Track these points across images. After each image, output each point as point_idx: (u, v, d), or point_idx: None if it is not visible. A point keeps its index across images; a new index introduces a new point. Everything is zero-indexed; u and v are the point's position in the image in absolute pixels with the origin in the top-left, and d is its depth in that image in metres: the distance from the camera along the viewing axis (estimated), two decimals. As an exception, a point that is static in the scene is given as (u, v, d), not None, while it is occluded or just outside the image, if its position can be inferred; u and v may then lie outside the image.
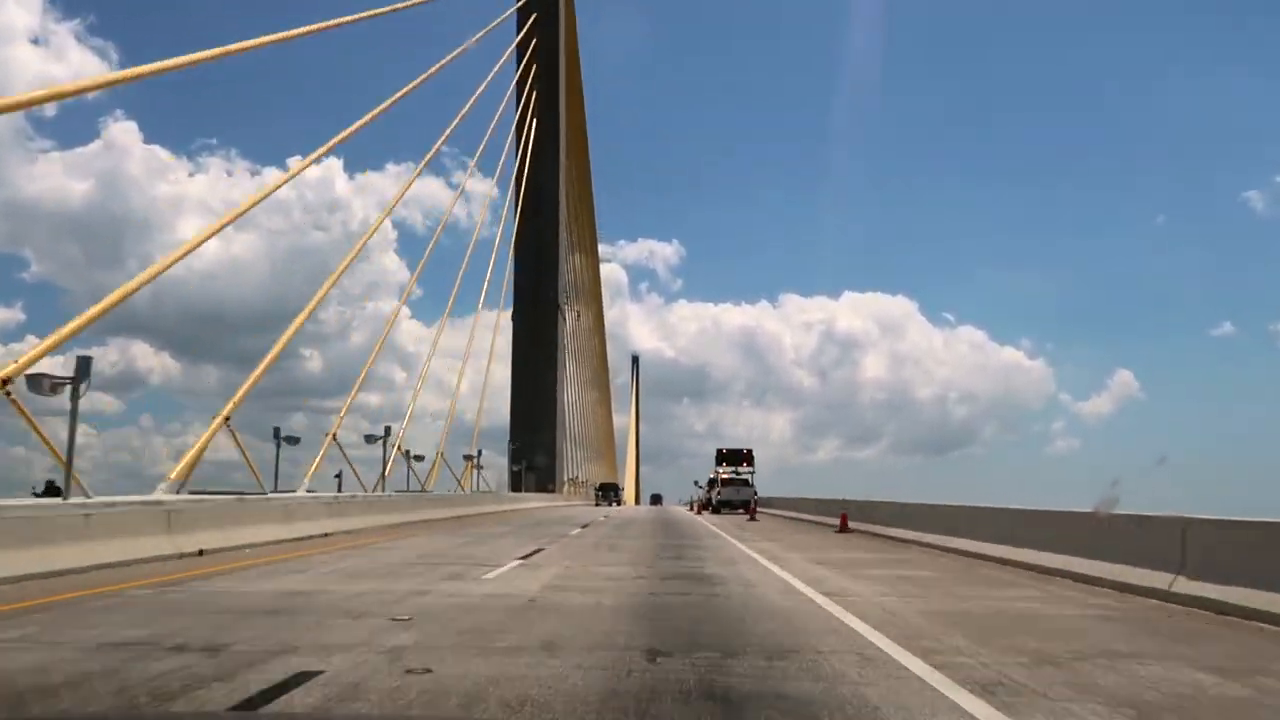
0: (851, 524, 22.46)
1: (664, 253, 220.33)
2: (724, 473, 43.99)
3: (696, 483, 50.03)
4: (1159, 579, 8.77)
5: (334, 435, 22.98)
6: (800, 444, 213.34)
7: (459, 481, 39.73)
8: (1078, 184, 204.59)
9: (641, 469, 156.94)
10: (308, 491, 20.52)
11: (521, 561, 12.57)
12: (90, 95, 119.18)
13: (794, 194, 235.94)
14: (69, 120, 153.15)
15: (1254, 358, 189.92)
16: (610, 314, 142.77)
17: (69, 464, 12.04)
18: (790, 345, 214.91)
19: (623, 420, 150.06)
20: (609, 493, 62.12)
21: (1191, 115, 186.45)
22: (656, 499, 77.86)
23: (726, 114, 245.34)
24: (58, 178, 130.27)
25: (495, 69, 38.69)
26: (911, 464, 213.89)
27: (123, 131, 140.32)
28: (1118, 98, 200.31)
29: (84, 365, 12.96)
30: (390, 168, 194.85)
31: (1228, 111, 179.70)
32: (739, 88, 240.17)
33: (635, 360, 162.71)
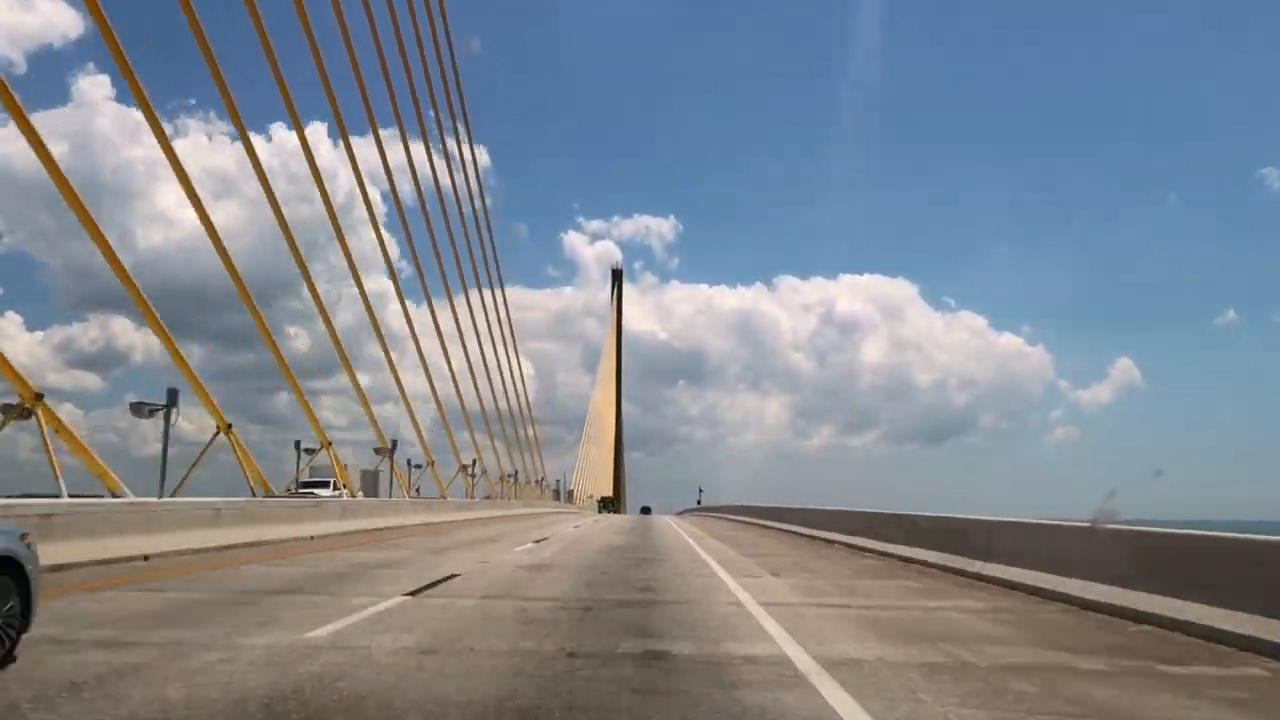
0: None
1: (661, 228, 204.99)
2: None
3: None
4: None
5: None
6: (795, 429, 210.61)
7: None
8: (1086, 161, 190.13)
9: (628, 456, 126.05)
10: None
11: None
12: (60, 48, 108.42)
13: (795, 171, 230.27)
14: (38, 77, 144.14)
15: (1258, 347, 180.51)
16: (600, 297, 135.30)
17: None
18: (787, 328, 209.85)
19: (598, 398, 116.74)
20: (607, 504, 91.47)
21: (1207, 89, 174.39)
22: (646, 510, 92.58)
23: (727, 86, 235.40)
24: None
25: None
26: (906, 453, 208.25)
27: (96, 89, 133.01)
28: (1127, 73, 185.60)
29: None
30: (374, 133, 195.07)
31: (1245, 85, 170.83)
32: (741, 60, 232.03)
33: (616, 278, 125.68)
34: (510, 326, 50.39)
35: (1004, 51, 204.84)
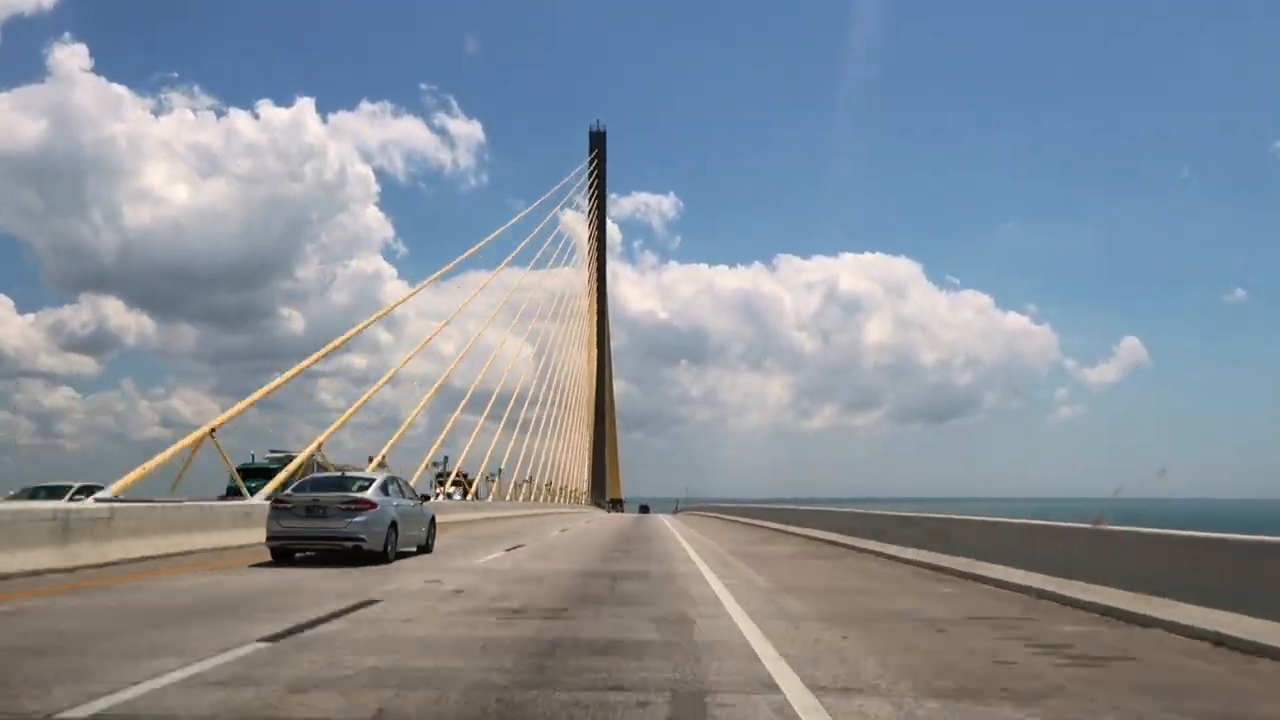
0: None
1: (661, 206, 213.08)
2: None
3: None
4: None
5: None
6: (798, 409, 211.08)
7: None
8: (1095, 136, 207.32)
9: (625, 438, 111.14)
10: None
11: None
12: (30, 17, 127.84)
13: (796, 149, 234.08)
14: (15, 51, 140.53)
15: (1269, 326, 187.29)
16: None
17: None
18: (790, 307, 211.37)
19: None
20: (615, 505, 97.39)
21: (1222, 63, 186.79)
22: (644, 509, 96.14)
23: (729, 66, 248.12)
24: (5, 115, 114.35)
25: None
26: (909, 432, 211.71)
27: (72, 58, 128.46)
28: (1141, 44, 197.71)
29: None
30: (365, 106, 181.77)
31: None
32: (743, 39, 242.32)
33: (596, 143, 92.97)
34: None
35: (1008, 26, 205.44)
